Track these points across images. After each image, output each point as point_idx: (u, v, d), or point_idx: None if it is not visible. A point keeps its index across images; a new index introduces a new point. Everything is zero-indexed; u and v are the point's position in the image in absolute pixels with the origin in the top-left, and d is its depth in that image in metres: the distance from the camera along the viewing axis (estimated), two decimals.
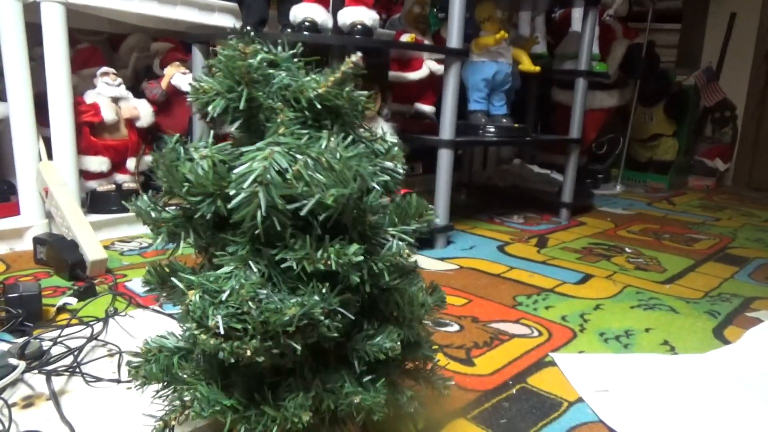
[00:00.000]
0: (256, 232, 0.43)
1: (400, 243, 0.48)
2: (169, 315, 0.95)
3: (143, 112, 1.52)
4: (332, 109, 0.48)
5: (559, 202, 2.00)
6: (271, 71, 0.48)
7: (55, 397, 0.66)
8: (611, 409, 0.76)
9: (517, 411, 0.75)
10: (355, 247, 0.43)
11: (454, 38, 1.42)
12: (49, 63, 1.36)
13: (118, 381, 0.72)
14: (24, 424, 0.62)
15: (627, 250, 1.62)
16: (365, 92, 0.50)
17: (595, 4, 1.85)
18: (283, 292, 0.44)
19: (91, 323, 0.87)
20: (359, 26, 1.36)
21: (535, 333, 1.00)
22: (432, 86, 1.78)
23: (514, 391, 0.80)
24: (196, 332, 0.42)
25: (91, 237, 1.19)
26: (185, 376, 0.48)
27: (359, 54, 0.48)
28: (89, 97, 1.46)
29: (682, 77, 2.97)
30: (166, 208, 0.48)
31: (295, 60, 0.51)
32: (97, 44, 1.66)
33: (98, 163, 1.46)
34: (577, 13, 2.24)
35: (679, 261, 1.53)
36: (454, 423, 0.71)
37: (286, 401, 0.45)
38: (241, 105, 0.45)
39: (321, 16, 1.38)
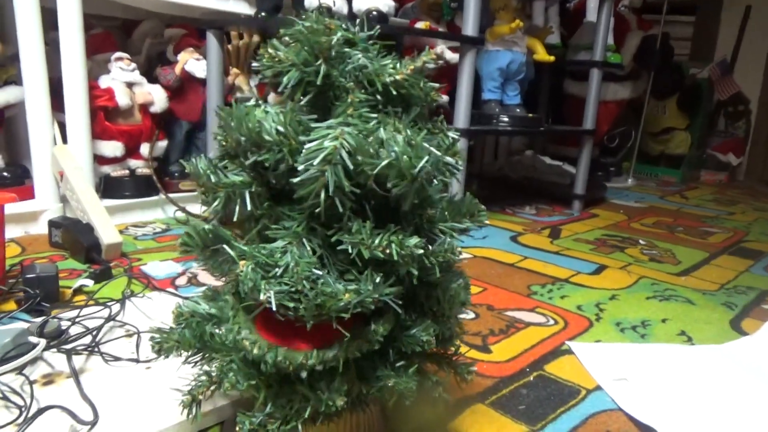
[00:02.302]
0: (317, 210, 0.42)
1: (452, 239, 0.48)
2: (186, 298, 0.95)
3: (157, 97, 1.52)
4: (405, 97, 0.47)
5: (571, 194, 1.99)
6: (347, 50, 0.47)
7: (75, 374, 0.66)
8: (630, 397, 0.75)
9: (535, 397, 0.74)
10: (416, 239, 0.43)
11: (469, 26, 1.40)
12: (64, 47, 1.36)
13: (137, 360, 0.72)
14: (45, 401, 0.62)
15: (641, 242, 1.60)
16: (436, 84, 0.50)
17: None
18: (332, 274, 0.43)
19: (109, 304, 0.87)
20: (374, 12, 1.35)
21: (551, 321, 1.00)
22: (446, 75, 1.77)
23: (531, 378, 0.79)
24: (239, 336, 0.42)
25: (106, 220, 1.19)
26: (216, 345, 0.47)
27: (444, 47, 0.48)
28: (104, 81, 1.46)
29: (696, 70, 2.94)
30: (227, 173, 0.47)
31: (371, 42, 0.50)
32: (110, 30, 1.66)
33: (112, 148, 1.46)
34: (592, 3, 2.22)
35: (694, 253, 1.52)
36: (473, 408, 0.71)
37: (321, 383, 0.45)
38: (318, 80, 0.45)
39: (336, 1, 1.37)
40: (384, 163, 0.41)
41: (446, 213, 0.51)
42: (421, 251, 0.43)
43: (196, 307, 0.50)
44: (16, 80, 1.39)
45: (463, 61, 1.44)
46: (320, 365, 0.44)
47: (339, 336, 0.47)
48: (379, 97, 0.47)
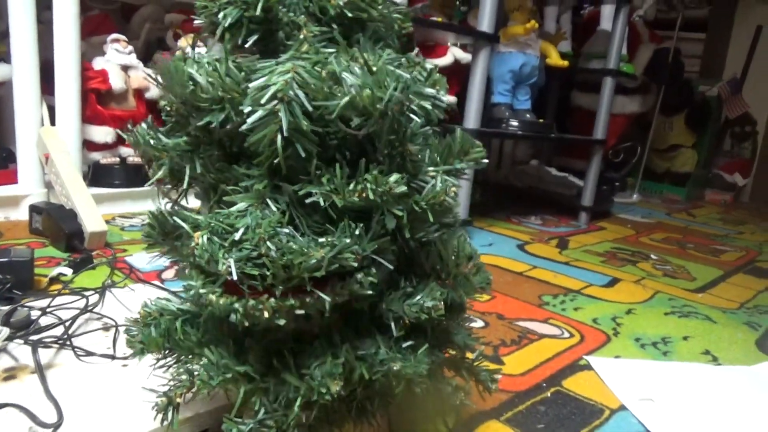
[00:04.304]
0: (276, 161, 0.35)
1: (447, 180, 0.40)
2: (174, 293, 0.87)
3: None
4: (364, 23, 0.41)
5: (578, 206, 1.93)
6: None
7: (40, 369, 0.58)
8: (658, 419, 0.68)
9: (554, 416, 0.67)
10: (396, 175, 0.36)
11: (485, 21, 1.34)
12: (57, 27, 1.29)
13: (113, 357, 0.64)
14: (3, 398, 0.54)
15: (653, 256, 1.54)
16: (402, 8, 0.43)
17: (627, 1, 1.78)
18: (307, 236, 0.36)
19: (86, 294, 0.80)
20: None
21: (566, 334, 0.92)
22: (456, 75, 1.70)
23: (549, 394, 0.72)
24: (202, 290, 0.34)
25: (92, 207, 1.11)
26: (190, 343, 0.40)
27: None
28: (98, 63, 1.39)
29: (705, 88, 2.90)
30: (169, 136, 0.40)
31: None
32: (108, 12, 1.59)
33: (103, 133, 1.39)
34: (606, 11, 2.17)
35: (708, 271, 1.45)
36: (487, 424, 0.63)
37: (312, 369, 0.37)
38: (258, 10, 0.38)
39: None
40: (343, 102, 0.34)
41: (436, 155, 0.44)
42: (403, 189, 0.36)
43: (166, 304, 0.42)
44: (5, 58, 1.32)
45: (477, 59, 1.37)
46: (300, 308, 0.36)
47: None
48: (335, 26, 0.41)
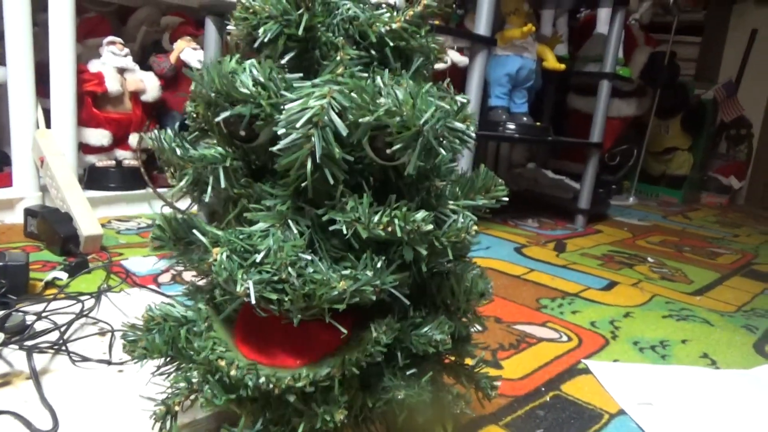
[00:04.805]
0: (303, 184, 0.35)
1: (467, 218, 0.40)
2: (170, 297, 0.87)
3: (149, 85, 1.44)
4: (404, 51, 0.40)
5: (575, 208, 1.93)
6: (333, 0, 0.40)
7: (35, 375, 0.58)
8: (657, 423, 0.68)
9: (553, 420, 0.67)
10: (423, 213, 0.35)
11: (482, 24, 1.34)
12: (53, 29, 1.28)
13: (109, 362, 0.64)
14: None
15: (650, 259, 1.54)
16: (440, 38, 0.42)
17: (624, 5, 1.78)
18: (325, 261, 0.36)
19: (82, 299, 0.79)
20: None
21: (564, 338, 0.92)
22: (452, 79, 1.70)
23: (548, 399, 0.72)
24: (218, 300, 0.34)
25: (87, 210, 1.10)
26: (193, 353, 0.39)
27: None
28: (93, 66, 1.38)
29: (701, 91, 2.91)
30: (195, 146, 0.39)
31: None
32: (104, 15, 1.58)
33: (99, 136, 1.38)
34: (603, 14, 2.17)
35: (705, 274, 1.45)
36: (487, 429, 0.63)
37: (316, 395, 0.37)
38: (300, 30, 0.37)
39: None
40: (383, 109, 0.34)
41: (458, 189, 0.44)
42: (430, 227, 0.36)
43: (170, 310, 0.42)
44: (0, 60, 1.31)
45: (474, 62, 1.37)
46: (311, 386, 0.37)
47: (331, 346, 0.39)
48: (373, 52, 0.41)
